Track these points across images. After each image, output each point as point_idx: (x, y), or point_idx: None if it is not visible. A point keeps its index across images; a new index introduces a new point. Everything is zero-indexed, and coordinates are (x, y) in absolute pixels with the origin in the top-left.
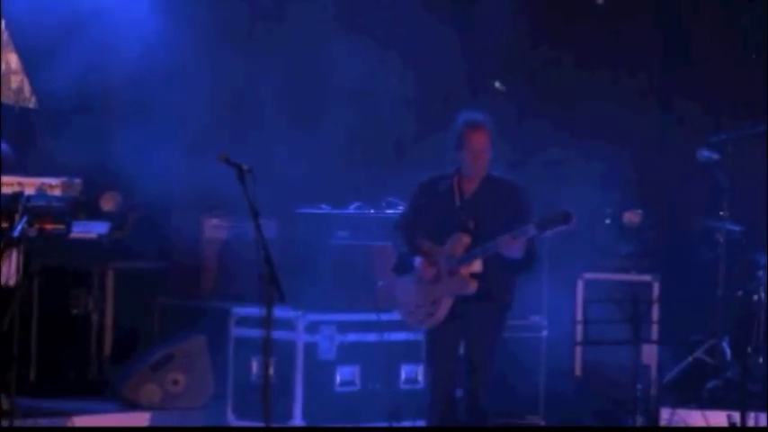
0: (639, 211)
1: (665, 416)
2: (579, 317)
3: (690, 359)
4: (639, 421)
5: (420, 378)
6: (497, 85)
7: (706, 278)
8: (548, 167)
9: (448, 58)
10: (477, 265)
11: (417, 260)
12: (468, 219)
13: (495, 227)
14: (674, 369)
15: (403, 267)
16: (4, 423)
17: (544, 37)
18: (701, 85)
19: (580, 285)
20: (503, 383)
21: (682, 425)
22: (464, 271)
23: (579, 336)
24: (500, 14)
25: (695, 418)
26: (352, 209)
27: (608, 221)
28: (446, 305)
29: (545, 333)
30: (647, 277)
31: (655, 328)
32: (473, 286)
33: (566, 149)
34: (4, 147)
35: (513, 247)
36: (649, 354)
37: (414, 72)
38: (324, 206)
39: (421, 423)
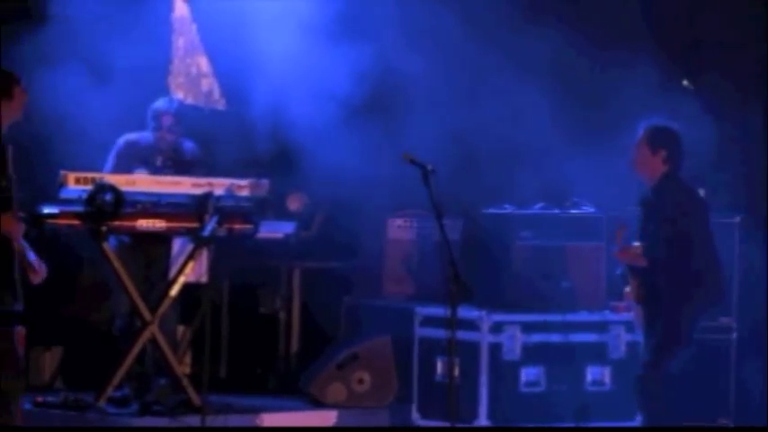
0: None
1: None
2: None
3: None
4: None
5: (607, 380)
6: (685, 83)
7: None
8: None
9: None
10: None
11: None
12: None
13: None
14: None
15: None
16: (196, 419)
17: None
18: None
19: None
20: (692, 385)
21: None
22: (632, 281)
23: None
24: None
25: None
26: (536, 209)
27: None
28: (638, 312)
29: (735, 335)
30: None
31: None
32: (628, 295)
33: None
34: (196, 147)
35: (623, 257)
36: None
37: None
38: (508, 206)
39: (608, 425)
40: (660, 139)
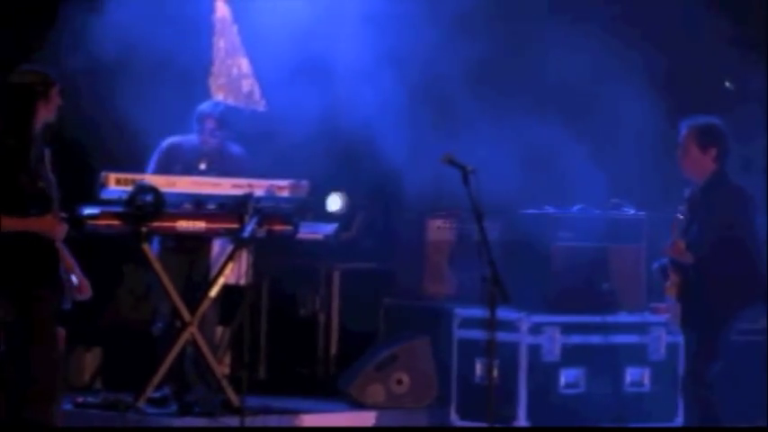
0: None
1: None
2: None
3: None
4: None
5: (646, 381)
6: (727, 84)
7: None
8: None
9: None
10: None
11: None
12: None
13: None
14: None
15: None
16: (236, 420)
17: None
18: None
19: None
20: (735, 387)
21: None
22: (673, 276)
23: None
24: None
25: None
26: (575, 210)
27: None
28: (675, 309)
29: None
30: None
31: None
32: (669, 292)
33: None
34: (243, 152)
35: (671, 252)
36: None
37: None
38: (547, 207)
39: (648, 426)
40: (709, 137)
